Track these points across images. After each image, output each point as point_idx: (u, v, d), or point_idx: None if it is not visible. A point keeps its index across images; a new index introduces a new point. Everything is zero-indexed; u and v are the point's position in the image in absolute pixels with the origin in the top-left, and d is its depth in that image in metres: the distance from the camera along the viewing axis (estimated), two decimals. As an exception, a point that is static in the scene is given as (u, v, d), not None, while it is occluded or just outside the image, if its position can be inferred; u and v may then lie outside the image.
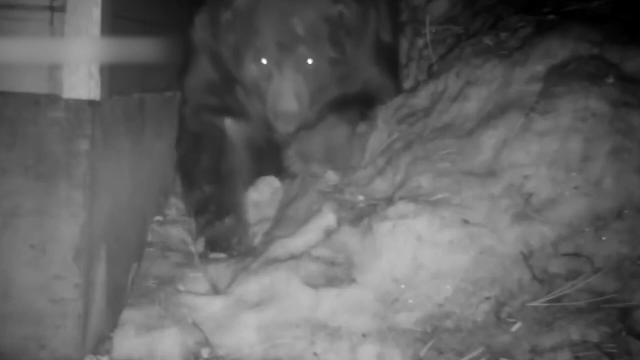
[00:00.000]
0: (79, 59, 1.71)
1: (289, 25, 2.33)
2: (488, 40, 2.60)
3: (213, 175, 2.52)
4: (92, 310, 1.82)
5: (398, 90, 2.78)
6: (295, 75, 2.34)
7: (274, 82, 2.35)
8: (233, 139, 2.62)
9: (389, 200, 2.15)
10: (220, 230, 2.40)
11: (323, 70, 2.40)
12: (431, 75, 2.76)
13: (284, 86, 2.33)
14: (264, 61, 2.34)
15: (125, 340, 1.88)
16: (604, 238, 1.93)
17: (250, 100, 2.52)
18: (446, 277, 1.94)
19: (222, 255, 2.33)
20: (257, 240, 2.41)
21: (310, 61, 2.35)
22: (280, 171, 2.58)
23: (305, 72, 2.36)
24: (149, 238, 2.34)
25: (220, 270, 2.20)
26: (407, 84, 3.02)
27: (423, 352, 1.81)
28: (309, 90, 2.37)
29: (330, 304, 1.93)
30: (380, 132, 2.50)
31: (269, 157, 2.63)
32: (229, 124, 2.62)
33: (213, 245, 2.38)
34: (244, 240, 2.40)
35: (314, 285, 1.96)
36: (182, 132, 2.63)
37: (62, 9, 1.69)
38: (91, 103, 1.72)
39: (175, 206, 2.59)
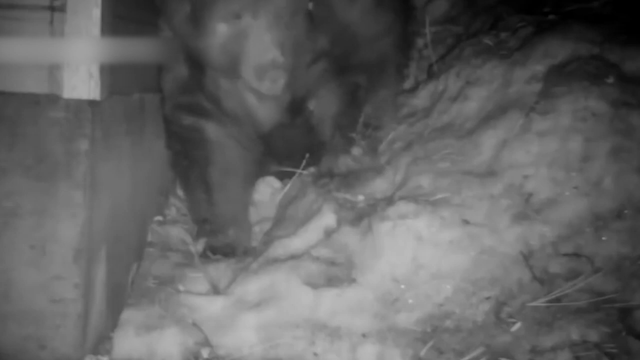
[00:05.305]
0: (79, 59, 1.70)
1: None
2: (488, 40, 2.61)
3: (205, 181, 2.39)
4: (92, 310, 1.81)
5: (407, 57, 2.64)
6: (276, 24, 2.06)
7: (251, 35, 2.06)
8: (217, 139, 2.39)
9: (389, 200, 2.15)
10: (224, 241, 2.36)
11: (300, 24, 2.14)
12: (431, 75, 2.76)
13: (265, 37, 2.04)
14: (235, 7, 2.06)
15: (125, 340, 1.88)
16: (604, 238, 1.93)
17: (221, 91, 2.30)
18: (446, 277, 1.94)
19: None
20: (257, 240, 2.41)
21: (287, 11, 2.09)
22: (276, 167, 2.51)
23: (285, 24, 2.08)
24: (149, 238, 2.33)
25: (220, 270, 2.20)
26: (407, 84, 3.02)
27: (423, 352, 1.81)
28: (290, 43, 2.09)
29: (330, 304, 1.93)
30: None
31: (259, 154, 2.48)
32: (209, 125, 2.38)
33: (216, 252, 2.35)
34: (249, 248, 2.37)
35: (314, 285, 1.96)
36: (168, 133, 2.46)
37: (62, 9, 1.69)
38: (91, 103, 1.72)
39: (175, 206, 2.59)
